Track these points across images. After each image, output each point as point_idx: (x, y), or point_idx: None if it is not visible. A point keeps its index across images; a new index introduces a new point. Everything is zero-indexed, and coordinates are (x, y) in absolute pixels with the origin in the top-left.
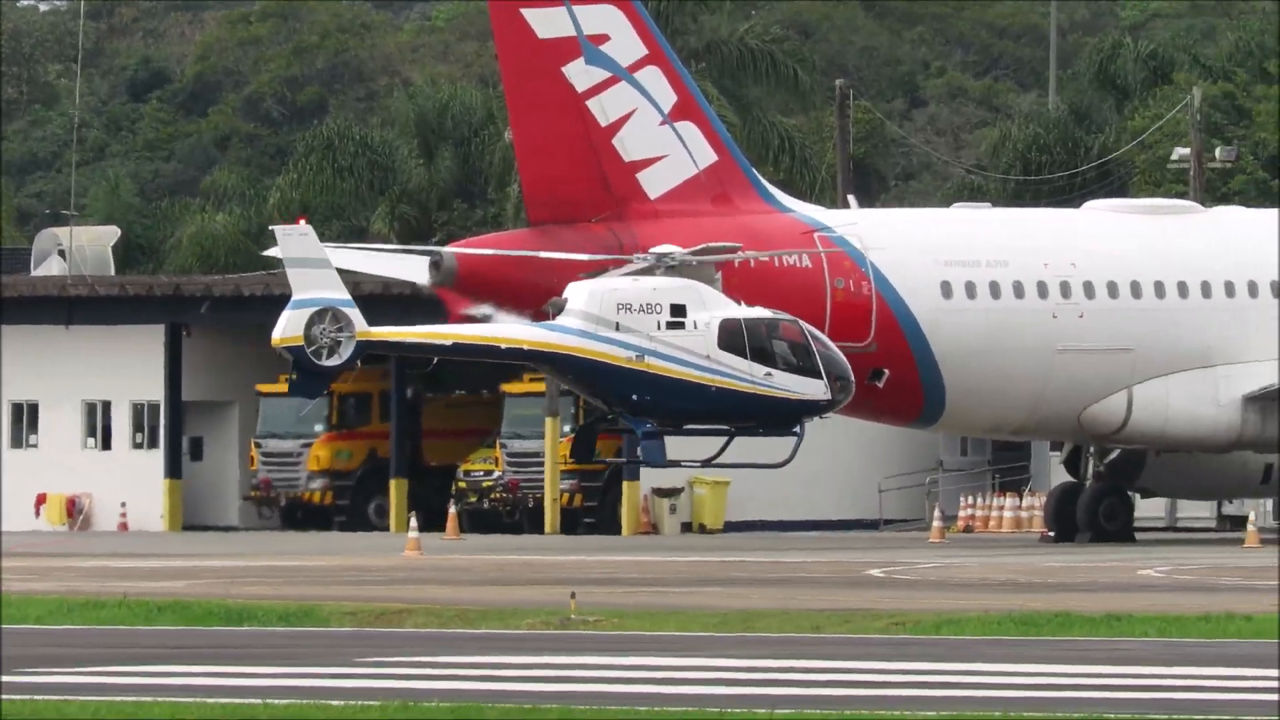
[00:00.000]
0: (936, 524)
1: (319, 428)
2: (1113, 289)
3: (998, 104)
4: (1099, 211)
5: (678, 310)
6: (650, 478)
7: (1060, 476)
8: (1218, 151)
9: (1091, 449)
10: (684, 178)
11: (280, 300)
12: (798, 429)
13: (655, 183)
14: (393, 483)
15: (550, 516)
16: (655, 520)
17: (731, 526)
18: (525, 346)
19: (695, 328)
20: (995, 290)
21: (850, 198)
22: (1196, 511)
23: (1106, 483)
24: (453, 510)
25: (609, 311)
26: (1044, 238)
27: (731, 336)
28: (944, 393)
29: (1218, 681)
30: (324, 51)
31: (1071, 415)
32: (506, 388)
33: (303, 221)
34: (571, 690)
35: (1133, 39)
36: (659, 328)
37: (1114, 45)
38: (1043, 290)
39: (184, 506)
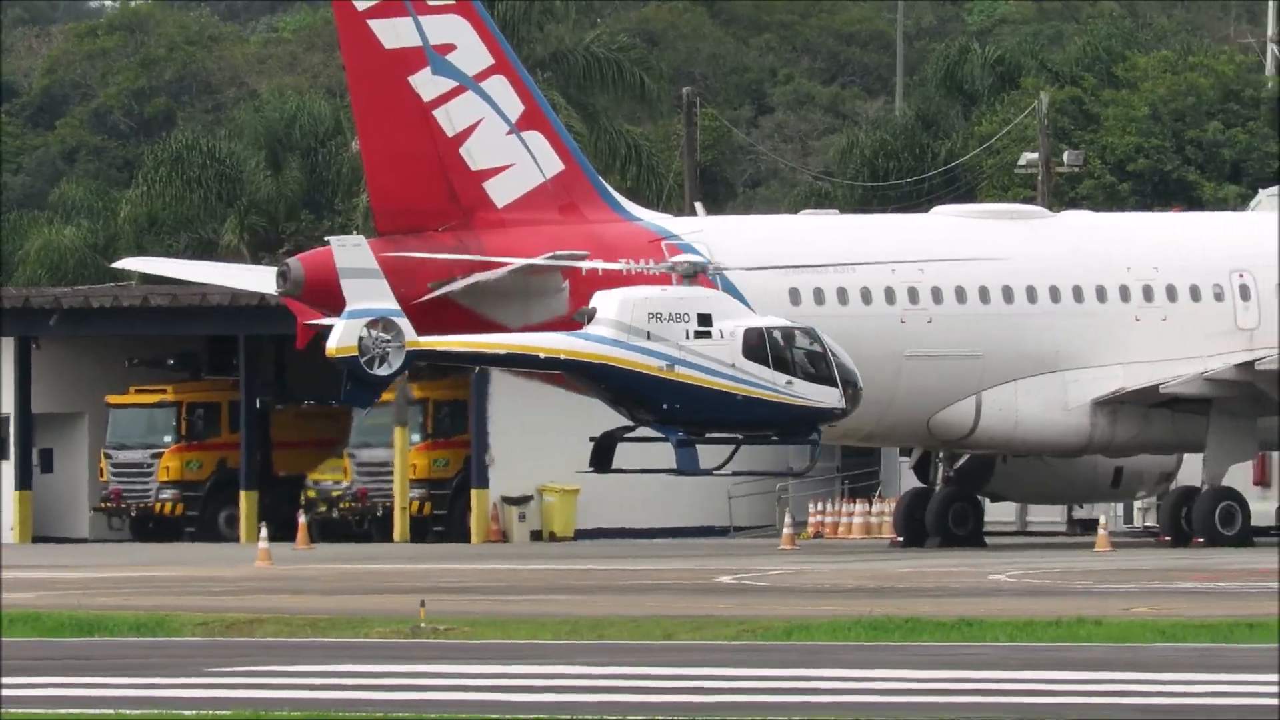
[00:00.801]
0: (787, 530)
1: (168, 438)
2: (961, 294)
3: (845, 111)
4: (947, 217)
5: (704, 319)
6: (499, 486)
7: (910, 482)
8: (1065, 156)
9: (941, 454)
10: (531, 186)
11: (128, 313)
12: (815, 436)
13: (502, 192)
14: (243, 493)
15: (400, 525)
16: (505, 528)
17: (582, 534)
18: (563, 356)
19: (721, 336)
20: (843, 296)
21: (698, 205)
22: (1047, 516)
23: (956, 488)
24: (303, 520)
25: (640, 320)
26: (892, 244)
27: (755, 345)
28: None
29: (1068, 686)
30: (171, 63)
31: (921, 421)
32: None
33: (356, 233)
34: (422, 699)
35: (980, 44)
36: (687, 336)
37: (961, 51)
38: (890, 296)
39: (34, 518)
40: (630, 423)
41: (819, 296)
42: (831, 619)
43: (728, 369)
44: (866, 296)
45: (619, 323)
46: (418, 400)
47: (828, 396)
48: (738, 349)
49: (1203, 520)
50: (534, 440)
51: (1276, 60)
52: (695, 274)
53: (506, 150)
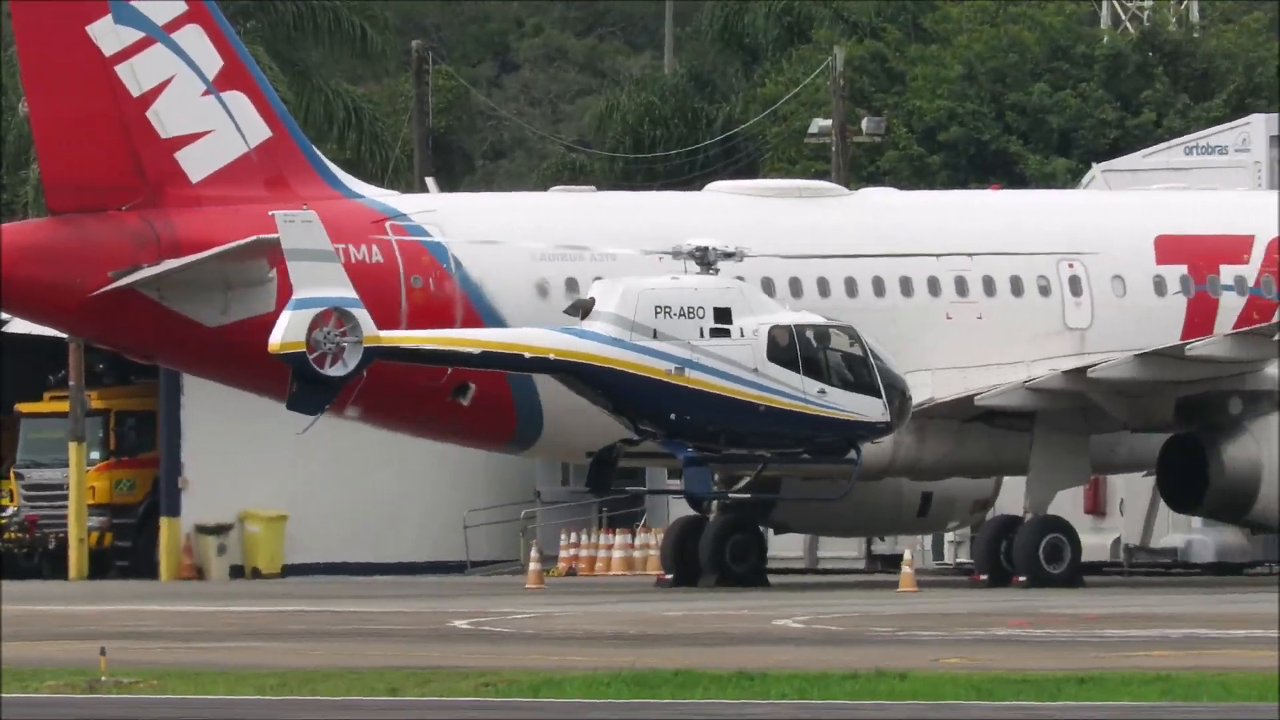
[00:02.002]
0: (533, 566)
1: None
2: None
3: (604, 68)
4: (724, 195)
5: (722, 315)
6: (193, 513)
7: (681, 510)
8: (864, 123)
9: (717, 478)
10: (232, 157)
11: None
12: (854, 455)
13: (197, 164)
14: None
15: (76, 559)
16: (200, 563)
17: (291, 570)
18: (552, 356)
19: (742, 336)
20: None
21: (429, 180)
22: (842, 550)
23: (734, 517)
24: None
25: (646, 316)
26: (659, 227)
27: (782, 347)
28: (541, 411)
29: None
30: None
31: None
32: (23, 407)
33: (305, 206)
34: None
35: None
36: (701, 335)
37: None
38: None
39: None
40: (634, 435)
41: (572, 289)
42: (587, 672)
43: (749, 374)
44: None
45: (620, 318)
46: (97, 411)
47: (869, 408)
48: (761, 351)
49: (1025, 555)
50: (235, 460)
51: (1113, 11)
52: (711, 261)
53: (203, 114)
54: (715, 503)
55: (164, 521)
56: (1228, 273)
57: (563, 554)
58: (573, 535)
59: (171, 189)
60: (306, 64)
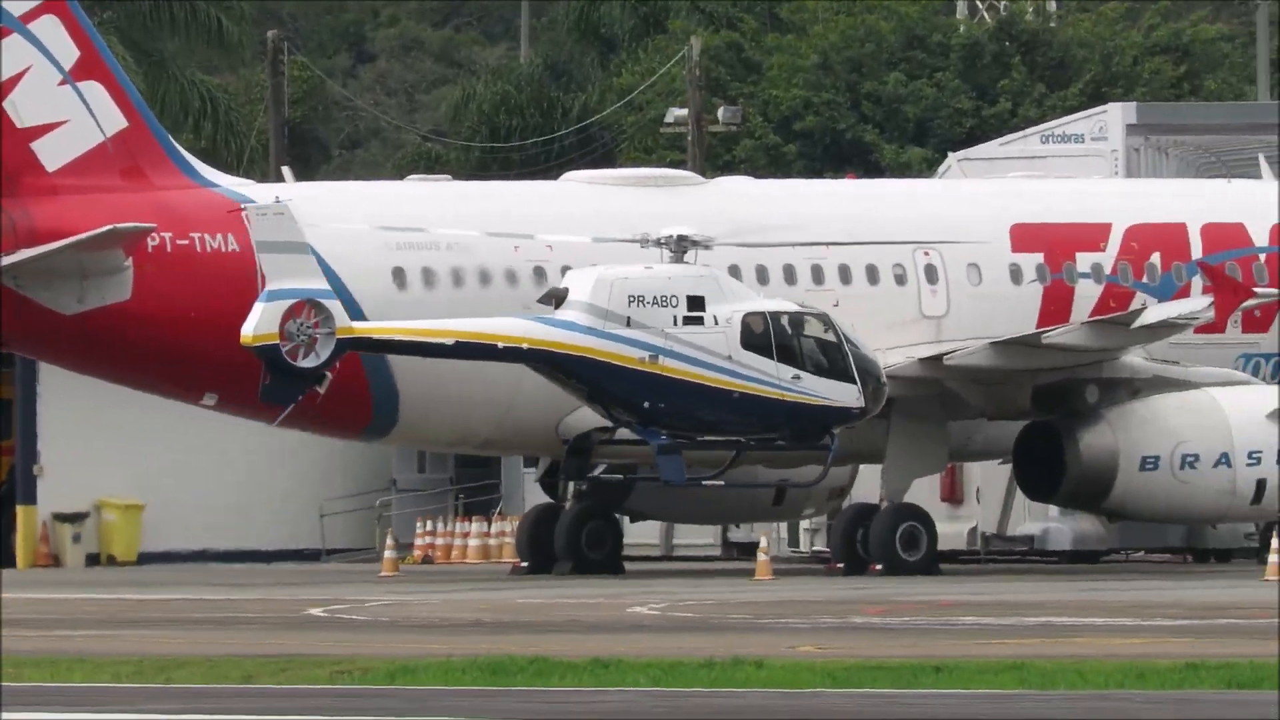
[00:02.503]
0: (389, 554)
1: None
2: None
3: (459, 59)
4: (580, 184)
5: (695, 303)
6: (50, 501)
7: (536, 497)
8: (720, 112)
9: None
10: (88, 147)
11: None
12: (829, 441)
13: (54, 153)
14: None
15: None
16: (56, 551)
17: (147, 558)
18: (525, 345)
19: (715, 323)
20: (458, 278)
21: (285, 170)
22: (697, 538)
23: (590, 504)
24: None
25: (619, 305)
26: (515, 216)
27: (755, 333)
28: (397, 400)
29: None
30: None
31: (548, 425)
32: None
33: (278, 198)
34: None
35: None
36: (675, 323)
37: None
38: (513, 278)
39: None
40: (608, 423)
41: (429, 278)
42: (443, 659)
43: (722, 361)
44: (485, 278)
45: (593, 306)
46: None
47: (843, 394)
48: (735, 338)
49: (881, 543)
50: (91, 447)
51: (970, 0)
52: (685, 249)
53: (59, 104)
54: (572, 489)
55: (19, 509)
56: (1084, 260)
57: (418, 542)
58: (428, 523)
59: (28, 178)
60: (163, 54)
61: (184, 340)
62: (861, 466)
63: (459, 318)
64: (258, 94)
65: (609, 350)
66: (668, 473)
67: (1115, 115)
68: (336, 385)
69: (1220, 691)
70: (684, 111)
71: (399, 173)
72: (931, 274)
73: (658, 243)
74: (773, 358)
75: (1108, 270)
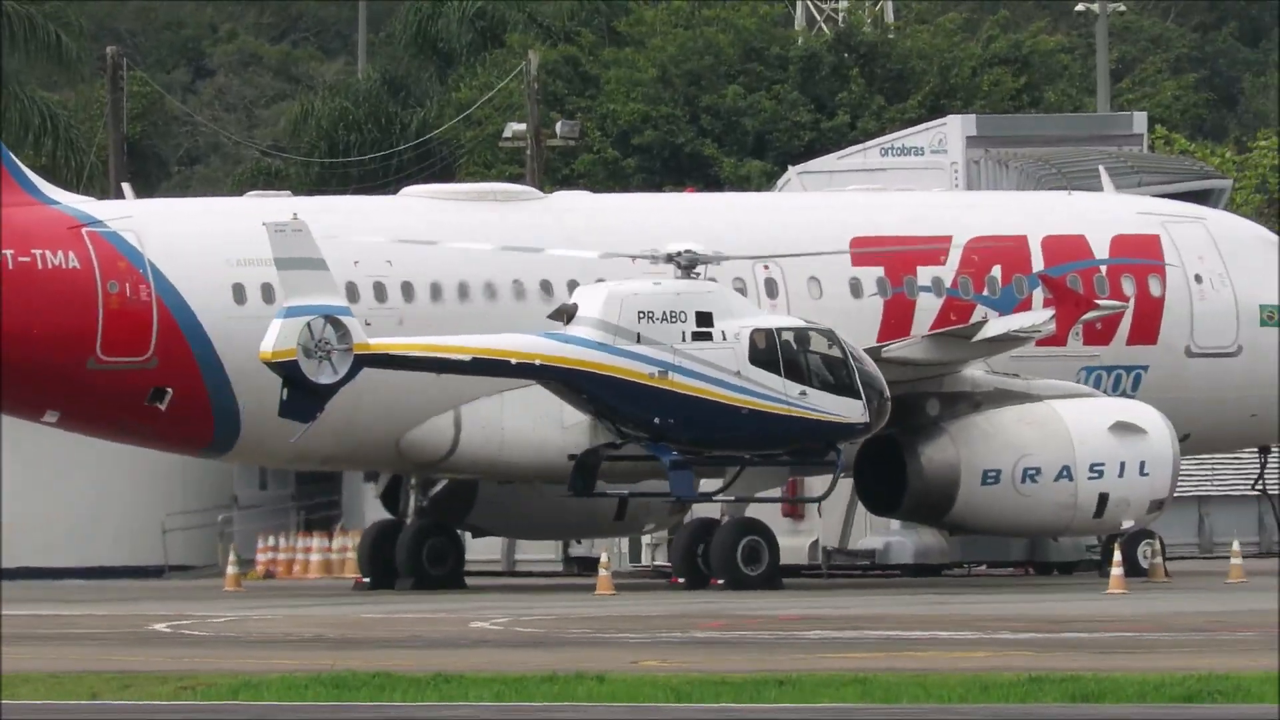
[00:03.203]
0: (231, 570)
1: None
2: (436, 291)
3: (298, 74)
4: (419, 199)
5: (704, 319)
6: None
7: (377, 513)
8: (558, 127)
9: (413, 480)
10: None
11: None
12: (835, 456)
13: None
14: None
15: None
16: None
17: None
18: (538, 362)
19: (724, 339)
20: None
21: (125, 186)
22: (539, 553)
23: (431, 520)
24: None
25: (629, 320)
26: (353, 231)
27: (763, 349)
28: (238, 416)
29: None
30: None
31: (390, 441)
32: None
33: (297, 215)
34: None
35: None
36: (684, 339)
37: (435, 2)
38: (353, 293)
39: None
40: (616, 439)
41: (267, 294)
42: (285, 675)
43: (731, 377)
44: None
45: (604, 322)
46: None
47: (848, 409)
48: (744, 353)
49: (722, 558)
50: None
51: (807, 12)
52: (694, 264)
53: None
54: (413, 504)
55: None
56: (925, 274)
57: (260, 557)
58: (270, 539)
59: None
60: (3, 70)
61: (25, 358)
62: (703, 481)
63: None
64: (97, 110)
65: (619, 366)
66: (678, 488)
67: (955, 127)
68: (179, 402)
69: (1064, 706)
70: (522, 126)
71: (238, 189)
72: (772, 288)
73: (667, 258)
74: (780, 373)
75: (948, 283)
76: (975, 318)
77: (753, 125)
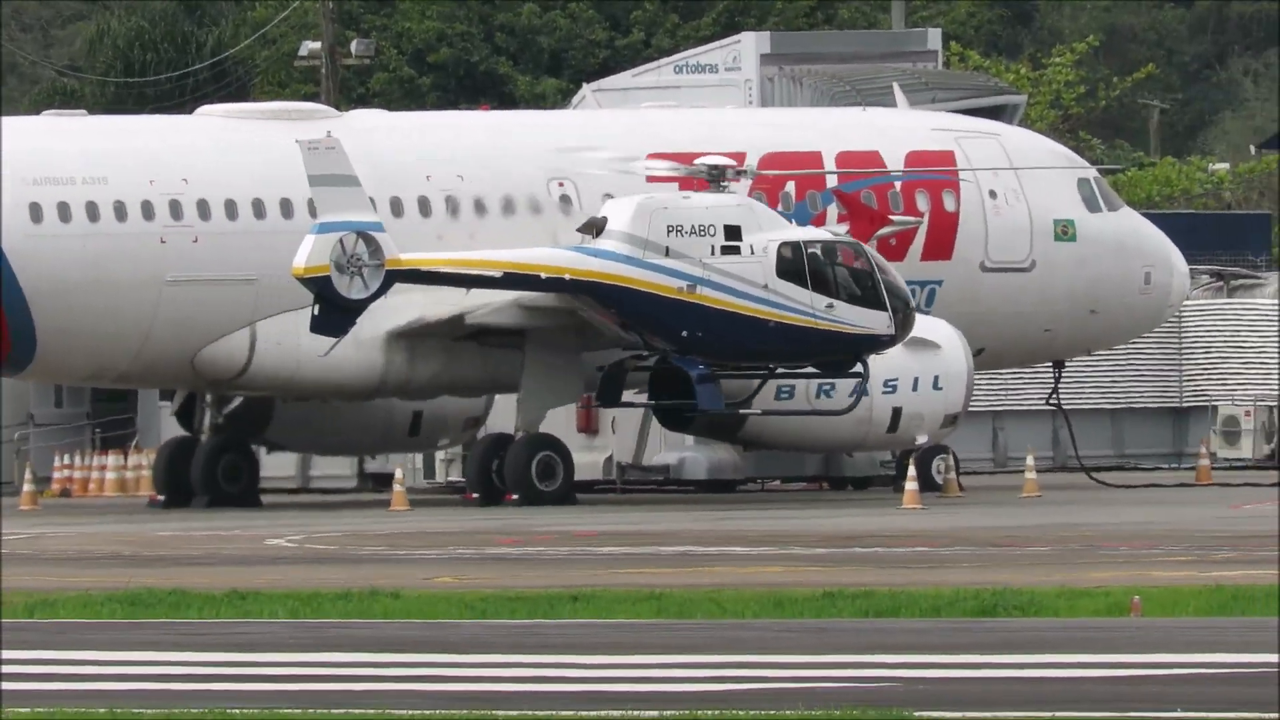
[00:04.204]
0: (27, 488)
1: None
2: (231, 209)
3: None
4: (214, 118)
5: (732, 232)
6: None
7: (172, 430)
8: (353, 45)
9: (209, 397)
10: None
11: None
12: (861, 369)
13: None
14: None
15: None
16: None
17: None
18: (568, 276)
19: (752, 252)
20: (93, 212)
21: None
22: (334, 470)
23: (227, 437)
24: None
25: (658, 234)
26: (150, 150)
27: (790, 262)
28: (34, 334)
29: (361, 670)
30: None
31: (185, 358)
32: None
33: (329, 132)
34: None
35: None
36: (713, 253)
37: None
38: (149, 211)
39: None
40: (644, 350)
41: (64, 212)
42: (81, 592)
43: (759, 290)
44: (121, 212)
45: (632, 236)
46: None
47: (874, 321)
48: (771, 267)
49: (517, 474)
50: None
51: None
52: (721, 178)
53: None
54: (208, 421)
55: None
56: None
57: (56, 475)
58: (66, 457)
59: None
60: None
61: None
62: (497, 397)
63: (93, 254)
64: None
65: (648, 280)
66: (706, 401)
67: (749, 45)
68: None
69: (858, 620)
70: (317, 45)
71: (35, 108)
72: (566, 204)
73: (695, 172)
74: (807, 286)
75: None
76: None
77: (548, 43)
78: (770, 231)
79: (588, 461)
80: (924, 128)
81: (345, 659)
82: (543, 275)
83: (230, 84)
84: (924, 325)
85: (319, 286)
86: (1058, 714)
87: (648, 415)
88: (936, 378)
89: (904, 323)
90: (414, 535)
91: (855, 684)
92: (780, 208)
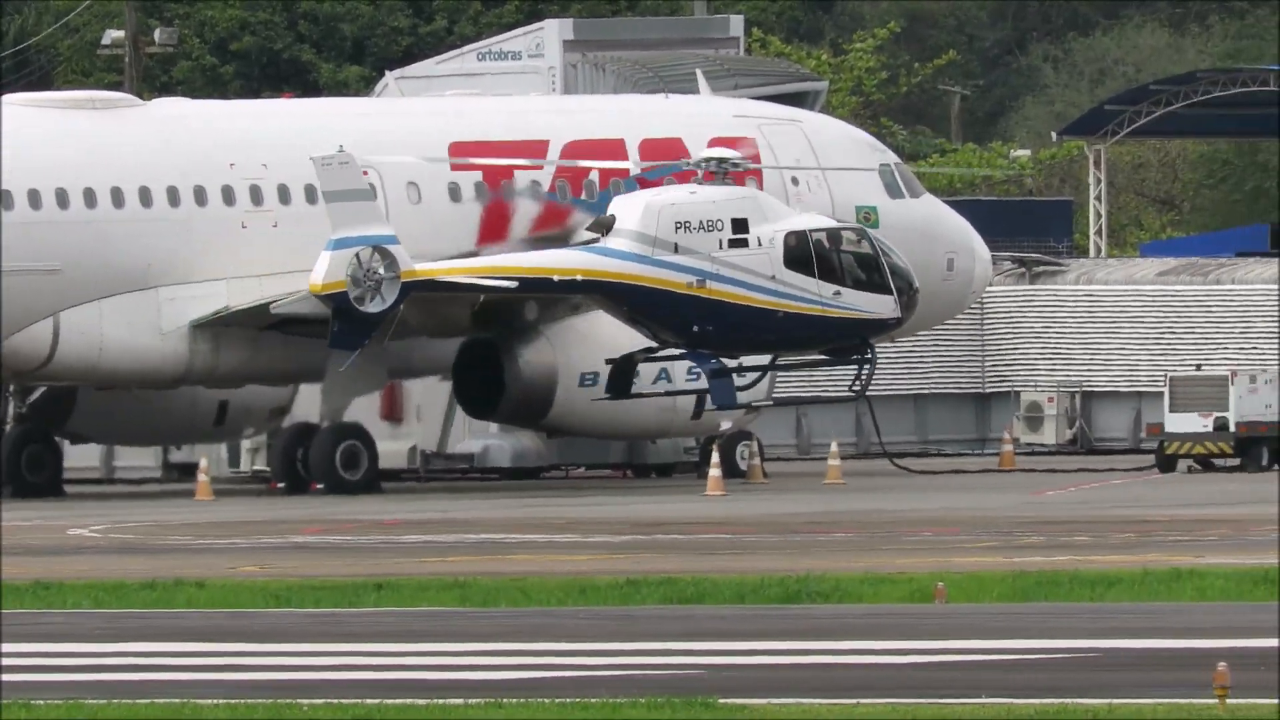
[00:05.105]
0: None
1: None
2: (35, 198)
3: None
4: (16, 107)
5: (739, 225)
6: None
7: None
8: (156, 34)
9: (12, 387)
10: None
11: None
12: (869, 353)
13: None
14: None
15: None
16: None
17: None
18: (580, 277)
19: (759, 244)
20: None
21: None
22: (138, 460)
23: (30, 427)
24: None
25: (666, 231)
26: None
27: (797, 252)
28: None
29: (160, 659)
30: None
31: None
32: None
33: (341, 147)
34: None
35: None
36: (720, 247)
37: None
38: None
39: None
40: (653, 343)
41: None
42: None
43: (767, 282)
44: None
45: (642, 234)
46: None
47: (881, 306)
48: (778, 258)
49: (322, 462)
50: None
51: None
52: (726, 171)
53: None
54: (12, 411)
55: None
56: (523, 178)
57: None
58: None
59: None
60: None
61: None
62: (302, 386)
63: None
64: None
65: (659, 277)
66: (719, 397)
67: (552, 32)
68: None
69: (661, 607)
70: (120, 33)
71: None
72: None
73: (699, 165)
74: (814, 275)
75: (546, 187)
76: (573, 221)
77: (351, 31)
78: (776, 222)
79: (392, 450)
80: (726, 114)
81: (150, 648)
82: (555, 278)
83: (33, 73)
84: None
85: (336, 302)
86: (862, 700)
87: (452, 403)
88: (739, 365)
89: (909, 304)
90: (219, 525)
91: (661, 671)
92: (584, 195)
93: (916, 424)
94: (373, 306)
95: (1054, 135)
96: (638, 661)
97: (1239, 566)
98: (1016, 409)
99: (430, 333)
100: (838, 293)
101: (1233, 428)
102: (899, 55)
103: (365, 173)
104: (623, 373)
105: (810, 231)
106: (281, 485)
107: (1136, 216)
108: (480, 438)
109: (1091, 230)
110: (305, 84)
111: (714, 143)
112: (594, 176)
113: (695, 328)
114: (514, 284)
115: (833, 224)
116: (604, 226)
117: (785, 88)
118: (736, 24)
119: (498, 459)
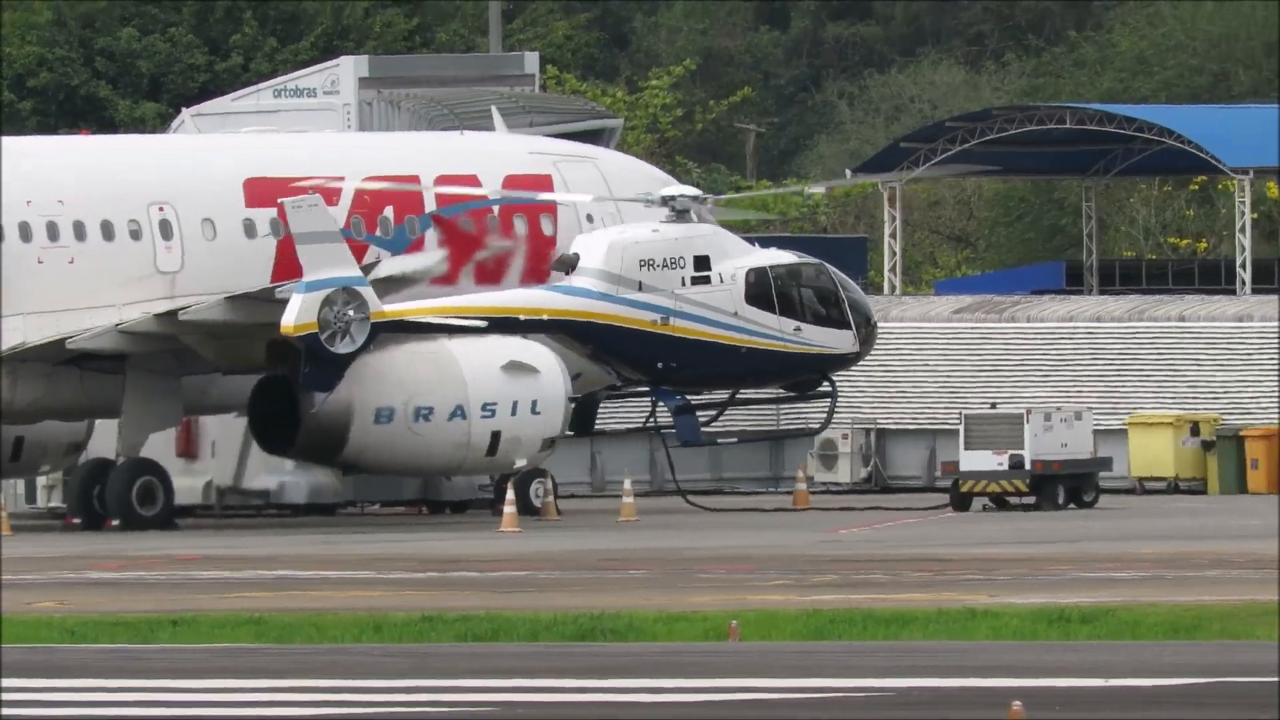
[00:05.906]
0: None
1: None
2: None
3: None
4: None
5: (701, 263)
6: None
7: None
8: None
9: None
10: None
11: None
12: (828, 386)
13: None
14: None
15: None
16: None
17: None
18: (546, 316)
19: (721, 281)
20: None
21: None
22: None
23: None
24: None
25: (631, 269)
26: None
27: (758, 288)
28: None
29: None
30: None
31: None
32: None
33: (311, 189)
34: None
35: None
36: (683, 284)
37: None
38: None
39: None
40: (616, 381)
41: None
42: None
43: (730, 318)
44: None
45: (606, 272)
46: None
47: (840, 340)
48: (740, 294)
49: (118, 498)
50: None
51: None
52: (687, 209)
53: None
54: None
55: None
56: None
57: None
58: None
59: None
60: None
61: None
62: (98, 421)
63: None
64: None
65: (624, 315)
66: (684, 434)
67: (347, 69)
68: None
69: (457, 645)
70: None
71: None
72: (166, 229)
73: (663, 202)
74: (775, 311)
75: (341, 224)
76: (368, 259)
77: (147, 67)
78: (738, 259)
79: (187, 485)
80: (522, 151)
81: None
82: (521, 317)
83: None
84: (523, 349)
85: (308, 344)
86: None
87: (248, 439)
88: (535, 402)
89: (867, 338)
90: (14, 560)
91: (454, 708)
92: (379, 232)
93: (710, 462)
94: (343, 348)
95: (848, 172)
96: (432, 699)
97: (1033, 605)
98: (810, 447)
99: (226, 369)
100: (798, 328)
101: (1028, 466)
102: (694, 92)
103: (161, 209)
104: (586, 411)
105: (771, 268)
106: (78, 521)
107: (932, 254)
108: (276, 474)
109: (886, 267)
110: (102, 121)
111: (510, 180)
112: (389, 213)
113: (660, 364)
114: (483, 323)
115: (793, 260)
116: (567, 265)
117: (581, 125)
118: (532, 61)
119: (293, 495)
